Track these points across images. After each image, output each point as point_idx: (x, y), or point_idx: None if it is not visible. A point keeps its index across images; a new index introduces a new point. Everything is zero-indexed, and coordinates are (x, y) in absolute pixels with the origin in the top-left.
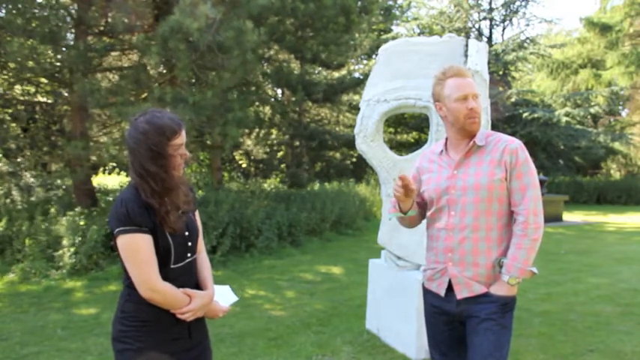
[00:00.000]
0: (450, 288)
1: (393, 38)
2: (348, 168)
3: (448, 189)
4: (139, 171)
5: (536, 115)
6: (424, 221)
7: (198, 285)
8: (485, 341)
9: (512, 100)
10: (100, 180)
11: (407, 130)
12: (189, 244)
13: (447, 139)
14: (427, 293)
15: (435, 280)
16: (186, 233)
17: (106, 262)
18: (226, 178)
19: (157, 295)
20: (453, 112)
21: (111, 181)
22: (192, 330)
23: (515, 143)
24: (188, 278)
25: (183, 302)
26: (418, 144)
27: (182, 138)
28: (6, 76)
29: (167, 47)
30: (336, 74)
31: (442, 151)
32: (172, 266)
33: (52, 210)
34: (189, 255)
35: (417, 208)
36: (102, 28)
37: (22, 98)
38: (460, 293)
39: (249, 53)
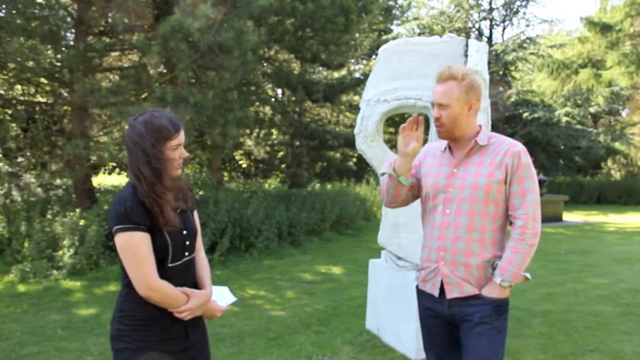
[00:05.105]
0: (443, 289)
1: (393, 38)
2: (348, 168)
3: (446, 187)
4: (136, 171)
5: (536, 115)
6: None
7: (196, 284)
8: (480, 346)
9: (512, 100)
10: (100, 180)
11: None
12: (187, 243)
13: None
14: (421, 295)
15: (428, 280)
16: (184, 232)
17: (105, 262)
18: (226, 178)
19: (154, 294)
20: None
21: (111, 181)
22: (188, 330)
23: (518, 147)
24: (186, 277)
25: (180, 301)
26: None
27: (180, 139)
28: (6, 76)
29: (167, 47)
30: (336, 74)
31: (446, 148)
32: (170, 265)
33: (52, 210)
34: (187, 254)
35: (411, 180)
36: (102, 28)
37: (22, 98)
38: (451, 293)
39: (249, 53)
